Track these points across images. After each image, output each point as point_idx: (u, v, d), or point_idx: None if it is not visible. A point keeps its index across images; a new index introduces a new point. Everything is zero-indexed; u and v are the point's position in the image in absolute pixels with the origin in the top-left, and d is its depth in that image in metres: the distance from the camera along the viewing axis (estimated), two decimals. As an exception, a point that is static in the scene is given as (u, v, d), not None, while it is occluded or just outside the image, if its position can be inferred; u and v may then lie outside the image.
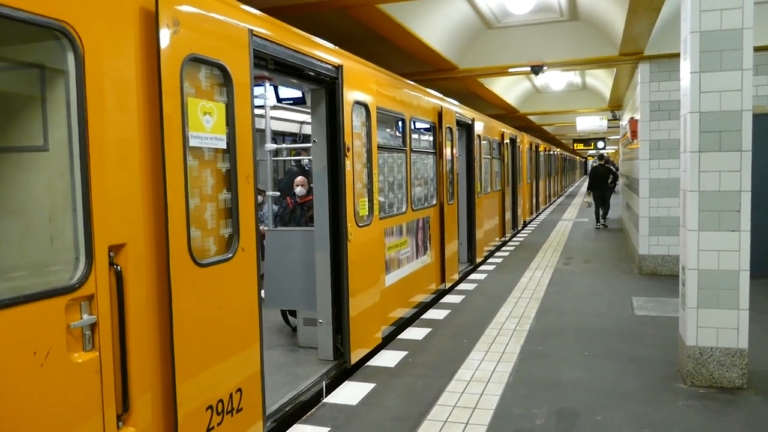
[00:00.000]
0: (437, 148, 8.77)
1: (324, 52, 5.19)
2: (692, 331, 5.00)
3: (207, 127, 3.54)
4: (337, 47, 5.59)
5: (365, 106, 5.95)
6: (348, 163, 5.47)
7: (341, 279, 5.45)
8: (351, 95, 5.58)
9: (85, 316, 2.74)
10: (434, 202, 8.61)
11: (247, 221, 3.87)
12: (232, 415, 3.69)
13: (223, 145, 3.69)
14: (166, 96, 3.18)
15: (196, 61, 3.44)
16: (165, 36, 3.17)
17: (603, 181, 17.04)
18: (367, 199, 5.96)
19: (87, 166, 2.75)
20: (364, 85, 5.93)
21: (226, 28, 3.75)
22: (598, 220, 17.22)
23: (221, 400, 3.59)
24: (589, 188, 17.69)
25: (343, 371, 5.51)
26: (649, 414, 4.53)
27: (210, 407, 3.50)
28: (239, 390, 3.77)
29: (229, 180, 3.75)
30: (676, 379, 5.19)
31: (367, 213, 5.95)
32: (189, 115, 3.37)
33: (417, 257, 7.76)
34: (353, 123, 5.63)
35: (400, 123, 7.50)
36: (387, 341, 6.52)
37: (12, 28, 2.77)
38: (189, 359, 3.32)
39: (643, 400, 4.80)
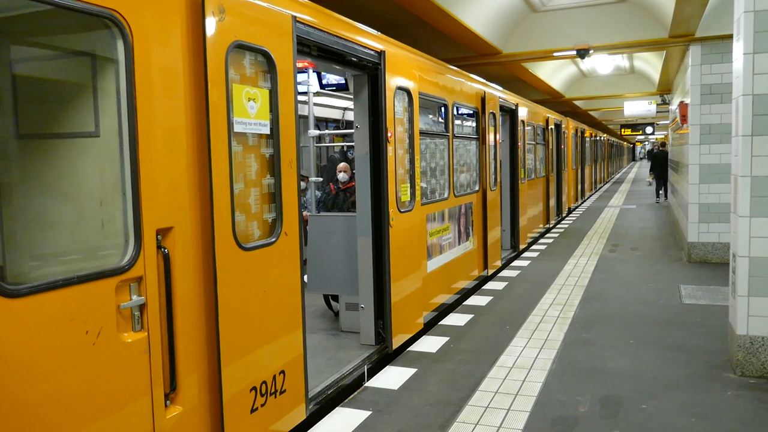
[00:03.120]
0: (480, 134, 8.69)
1: (366, 38, 5.19)
2: (743, 320, 4.87)
3: (251, 113, 3.59)
4: (379, 33, 5.58)
5: (407, 91, 5.94)
6: (390, 148, 5.48)
7: (383, 264, 5.48)
8: (393, 81, 5.57)
9: (135, 297, 2.83)
10: (477, 189, 8.55)
11: (290, 206, 3.93)
12: (275, 397, 3.77)
13: (267, 131, 3.75)
14: (212, 83, 3.24)
15: (241, 47, 3.50)
16: (211, 23, 3.22)
17: (662, 164, 19.94)
18: (409, 184, 5.96)
19: (136, 152, 2.83)
20: (406, 71, 5.91)
21: (269, 15, 3.79)
22: (657, 196, 20.81)
23: (265, 382, 3.67)
24: (651, 170, 21.13)
25: (385, 356, 5.55)
26: (697, 403, 4.44)
27: (254, 388, 3.57)
28: (282, 372, 3.84)
29: (273, 165, 3.81)
30: (726, 369, 5.07)
31: (409, 198, 5.95)
32: (234, 101, 3.43)
33: (459, 243, 7.73)
34: (395, 109, 5.63)
35: (442, 108, 7.45)
36: (428, 327, 6.54)
37: (65, 17, 2.86)
38: (234, 341, 3.40)
39: (690, 389, 4.70)
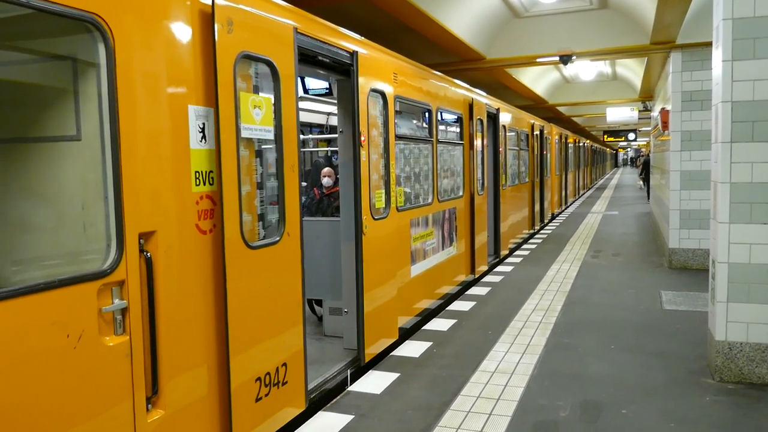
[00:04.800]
0: (468, 140, 8.78)
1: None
2: (721, 326, 4.93)
3: (257, 120, 3.79)
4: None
5: (382, 94, 5.80)
6: (363, 153, 5.33)
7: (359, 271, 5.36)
8: (367, 83, 5.43)
9: (116, 301, 2.82)
10: (461, 194, 8.58)
11: (293, 208, 4.16)
12: (278, 388, 4.00)
13: (271, 136, 3.96)
14: (222, 91, 3.41)
15: (248, 58, 3.70)
16: (220, 35, 3.40)
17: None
18: (383, 190, 5.83)
19: (118, 156, 2.82)
20: (381, 74, 5.76)
21: (273, 26, 4.00)
22: (648, 197, 22.64)
23: (268, 373, 3.90)
24: (640, 174, 25.52)
25: (369, 360, 5.54)
26: (676, 409, 4.49)
27: (259, 379, 3.79)
28: (284, 365, 4.07)
29: (276, 169, 4.04)
30: (705, 375, 5.13)
31: (383, 205, 5.83)
32: (241, 108, 3.62)
33: (443, 248, 7.75)
34: (369, 112, 5.48)
35: (426, 114, 7.47)
36: (411, 332, 6.56)
37: (50, 21, 2.84)
38: (241, 333, 3.60)
39: (669, 394, 4.75)
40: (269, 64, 3.89)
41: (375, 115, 5.71)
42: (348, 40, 5.27)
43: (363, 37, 5.63)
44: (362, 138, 5.31)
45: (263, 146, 3.97)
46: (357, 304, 5.36)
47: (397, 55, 6.56)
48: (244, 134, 3.67)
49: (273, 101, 3.95)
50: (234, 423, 3.52)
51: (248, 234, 3.70)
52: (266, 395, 3.85)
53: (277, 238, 3.99)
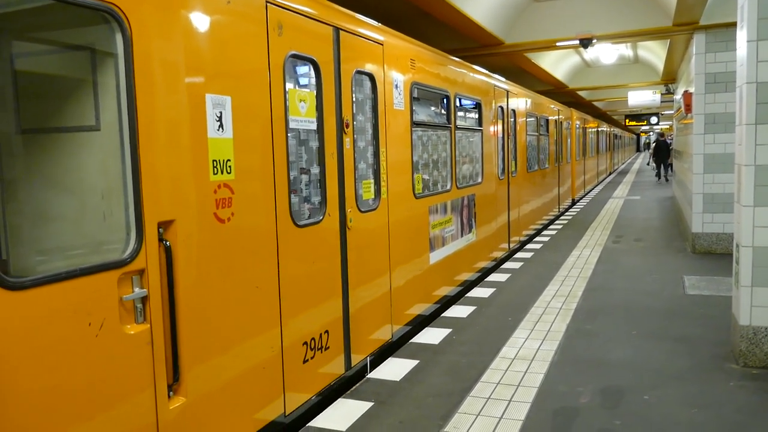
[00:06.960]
0: (507, 126, 9.34)
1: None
2: (746, 310, 4.86)
3: (302, 112, 4.19)
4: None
5: (370, 77, 5.29)
6: (347, 140, 4.86)
7: (345, 268, 4.88)
8: (351, 65, 4.90)
9: (137, 290, 2.84)
10: (479, 180, 8.52)
11: (333, 191, 4.55)
12: (321, 352, 4.42)
13: (314, 127, 4.35)
14: (274, 86, 3.80)
15: (295, 57, 4.07)
16: (272, 38, 3.80)
17: (664, 151, 25.94)
18: (373, 180, 5.39)
19: (137, 146, 2.83)
20: (368, 54, 5.22)
21: (316, 28, 4.33)
22: (659, 178, 26.49)
23: (313, 338, 4.32)
24: (653, 155, 27.96)
25: (388, 347, 5.56)
26: (699, 394, 4.44)
27: (305, 343, 4.22)
28: (326, 331, 4.50)
29: (319, 156, 4.43)
30: (729, 360, 5.07)
31: (372, 196, 5.36)
32: (289, 102, 4.00)
33: (462, 235, 7.72)
34: (354, 96, 4.98)
35: (444, 100, 7.40)
36: (431, 319, 6.56)
37: (65, 11, 2.86)
38: (290, 301, 4.01)
39: (692, 380, 4.70)
40: (312, 61, 4.26)
41: (360, 98, 5.17)
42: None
43: (378, 23, 5.57)
44: (346, 124, 4.83)
45: (307, 136, 4.37)
46: (342, 308, 4.79)
47: (415, 41, 6.32)
48: (292, 125, 4.05)
49: (315, 95, 4.32)
50: (286, 380, 3.96)
51: (296, 214, 4.12)
52: (312, 358, 4.29)
53: (320, 218, 4.40)
